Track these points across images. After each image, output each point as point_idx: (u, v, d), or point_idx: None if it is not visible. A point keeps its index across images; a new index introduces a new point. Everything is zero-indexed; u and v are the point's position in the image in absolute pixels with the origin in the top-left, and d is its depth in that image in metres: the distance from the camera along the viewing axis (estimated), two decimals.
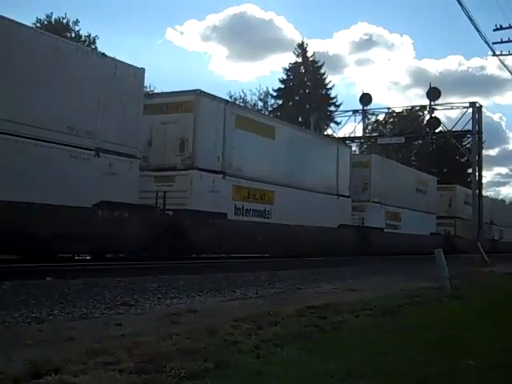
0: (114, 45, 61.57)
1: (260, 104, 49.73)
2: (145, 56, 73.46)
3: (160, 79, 73.29)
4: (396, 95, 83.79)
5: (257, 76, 79.98)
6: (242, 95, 49.30)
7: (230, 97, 45.72)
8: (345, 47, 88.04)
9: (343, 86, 74.27)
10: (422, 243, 28.04)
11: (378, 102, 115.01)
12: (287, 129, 21.12)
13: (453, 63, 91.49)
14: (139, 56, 72.34)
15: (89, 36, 36.13)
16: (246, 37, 72.48)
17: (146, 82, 40.88)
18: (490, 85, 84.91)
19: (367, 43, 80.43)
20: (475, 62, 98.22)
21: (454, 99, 46.09)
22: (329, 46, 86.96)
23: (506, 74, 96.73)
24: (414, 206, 30.09)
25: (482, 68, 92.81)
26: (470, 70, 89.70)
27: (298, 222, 19.42)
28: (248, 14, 78.23)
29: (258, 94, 49.87)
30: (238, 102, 43.92)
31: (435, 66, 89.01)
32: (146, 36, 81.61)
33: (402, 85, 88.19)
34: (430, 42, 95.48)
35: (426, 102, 32.03)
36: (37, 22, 34.25)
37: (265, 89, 50.77)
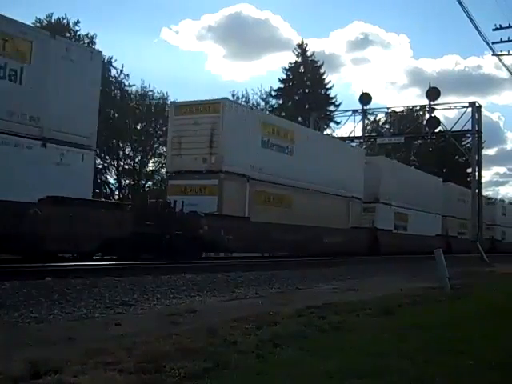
0: (109, 44, 61.69)
1: (262, 104, 49.72)
2: (140, 55, 73.34)
3: (157, 79, 73.14)
4: (393, 94, 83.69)
5: (253, 76, 79.84)
6: (245, 94, 49.22)
7: (233, 96, 45.69)
8: (341, 46, 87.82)
9: (340, 85, 74.31)
10: None
11: (375, 101, 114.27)
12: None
13: (449, 63, 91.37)
14: (135, 55, 72.26)
15: (86, 35, 36.07)
16: (242, 36, 72.17)
17: (146, 83, 40.66)
18: (486, 84, 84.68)
19: (363, 42, 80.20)
20: (472, 62, 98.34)
21: (451, 99, 46.44)
22: (325, 45, 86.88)
23: (503, 74, 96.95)
24: None
25: (479, 67, 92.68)
26: (467, 69, 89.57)
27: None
28: (244, 14, 78.03)
29: (259, 94, 49.85)
30: (240, 102, 43.90)
31: (432, 66, 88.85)
32: (141, 35, 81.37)
33: (400, 84, 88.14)
34: (427, 41, 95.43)
35: (423, 101, 32.31)
36: (36, 21, 34.24)
37: (266, 88, 50.72)
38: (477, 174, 30.78)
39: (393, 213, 27.88)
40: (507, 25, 22.68)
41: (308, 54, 50.76)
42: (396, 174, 28.30)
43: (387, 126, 45.20)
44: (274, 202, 19.05)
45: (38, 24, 33.91)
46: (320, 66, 50.86)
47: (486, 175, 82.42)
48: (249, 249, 18.37)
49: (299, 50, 50.73)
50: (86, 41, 35.60)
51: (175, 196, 16.70)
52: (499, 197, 68.55)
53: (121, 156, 37.61)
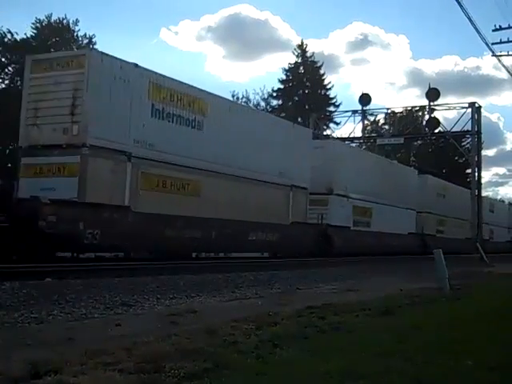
0: (108, 44, 61.75)
1: (262, 104, 49.84)
2: (139, 56, 73.50)
3: None
4: (392, 95, 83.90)
5: (253, 76, 79.92)
6: (245, 95, 49.35)
7: (233, 96, 45.83)
8: (340, 47, 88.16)
9: (339, 86, 74.25)
10: None
11: (374, 102, 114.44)
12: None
13: (449, 63, 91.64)
14: (134, 56, 72.48)
15: (84, 35, 36.03)
16: (241, 37, 72.29)
17: None
18: (486, 85, 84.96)
19: (363, 43, 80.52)
20: (471, 62, 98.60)
21: (451, 99, 46.78)
22: (324, 45, 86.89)
23: (502, 74, 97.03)
24: None
25: (478, 68, 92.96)
26: (466, 70, 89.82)
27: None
28: (243, 14, 78.13)
29: (261, 94, 49.96)
30: (240, 102, 44.01)
31: (431, 67, 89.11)
32: (140, 36, 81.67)
33: (399, 85, 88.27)
34: (427, 41, 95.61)
35: (422, 102, 32.32)
36: (36, 22, 34.22)
37: (267, 89, 50.85)
38: (476, 174, 30.78)
39: (351, 206, 23.55)
40: (507, 25, 22.69)
41: (308, 54, 50.89)
42: (357, 161, 24.27)
43: (387, 127, 45.33)
44: (174, 188, 14.56)
45: (37, 24, 33.95)
46: (320, 67, 50.98)
47: (486, 176, 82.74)
48: (128, 248, 13.66)
49: (299, 51, 50.84)
50: (84, 41, 35.61)
51: (30, 179, 12.82)
52: (499, 197, 68.47)
53: None
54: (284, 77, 50.60)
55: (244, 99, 47.81)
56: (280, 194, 18.97)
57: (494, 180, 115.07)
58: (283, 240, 18.44)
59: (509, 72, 27.47)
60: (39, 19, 34.54)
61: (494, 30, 22.87)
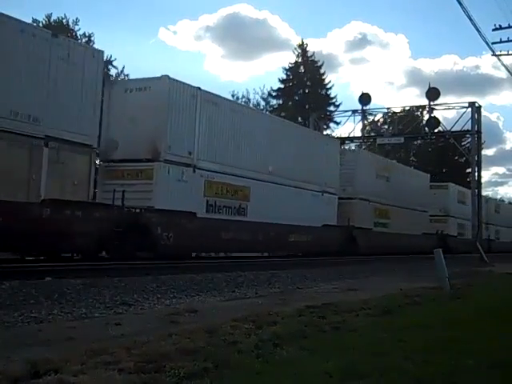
0: (107, 44, 61.65)
1: (262, 103, 49.93)
2: (138, 56, 73.39)
3: None
4: (391, 94, 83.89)
5: (252, 75, 79.87)
6: (245, 94, 49.44)
7: (233, 96, 45.92)
8: (339, 46, 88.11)
9: (338, 85, 74.14)
10: None
11: (373, 101, 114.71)
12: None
13: (448, 63, 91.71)
14: (132, 55, 72.31)
15: (84, 34, 36.11)
16: (240, 36, 72.12)
17: None
18: (485, 84, 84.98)
19: (361, 42, 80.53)
20: (470, 62, 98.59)
21: (450, 99, 46.53)
22: (323, 45, 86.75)
23: (502, 74, 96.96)
24: None
25: (477, 67, 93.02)
26: (465, 69, 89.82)
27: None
28: (242, 14, 78.29)
29: (261, 94, 50.04)
30: (240, 102, 44.07)
31: (430, 66, 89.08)
32: (139, 35, 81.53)
33: (398, 84, 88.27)
34: (426, 41, 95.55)
35: (421, 101, 32.30)
36: (34, 22, 34.20)
37: (266, 88, 50.93)
38: (476, 174, 30.74)
39: (202, 182, 15.64)
40: (507, 25, 22.67)
41: (308, 54, 50.92)
42: (222, 116, 16.40)
43: (386, 127, 45.35)
44: None
45: (34, 24, 33.90)
46: (320, 67, 51.02)
47: (485, 175, 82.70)
48: None
49: (299, 50, 50.87)
50: (84, 40, 35.64)
51: None
52: (498, 197, 68.34)
53: None
54: (284, 76, 50.70)
55: (244, 99, 47.94)
56: (20, 153, 11.44)
57: (493, 180, 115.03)
58: (24, 231, 10.71)
59: (509, 71, 27.50)
60: (36, 19, 34.57)
61: (494, 30, 22.86)
